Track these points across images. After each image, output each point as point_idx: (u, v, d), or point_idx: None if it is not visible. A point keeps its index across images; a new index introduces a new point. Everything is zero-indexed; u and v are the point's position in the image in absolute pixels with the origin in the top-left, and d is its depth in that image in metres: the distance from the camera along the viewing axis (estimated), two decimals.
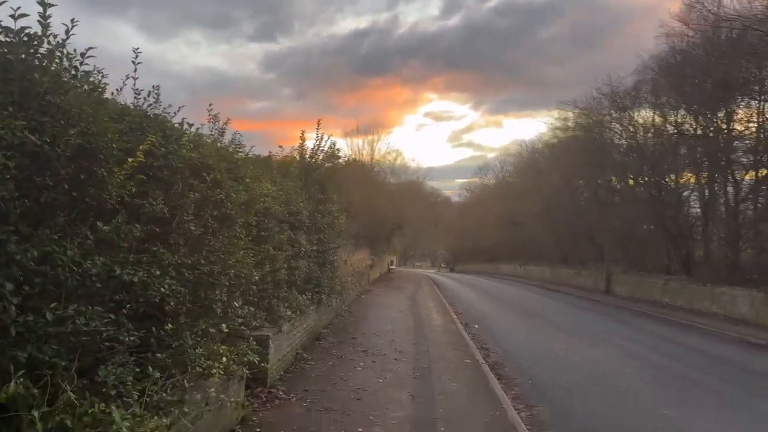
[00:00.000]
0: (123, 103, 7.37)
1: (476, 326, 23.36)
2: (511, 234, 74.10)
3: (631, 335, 21.99)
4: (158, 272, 6.41)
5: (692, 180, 38.82)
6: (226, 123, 11.14)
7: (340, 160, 55.60)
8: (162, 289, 6.42)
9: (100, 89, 6.41)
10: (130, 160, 6.11)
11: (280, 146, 16.99)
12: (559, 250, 60.67)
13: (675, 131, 38.79)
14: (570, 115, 50.87)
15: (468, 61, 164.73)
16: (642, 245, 44.82)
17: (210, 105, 10.62)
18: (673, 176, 39.75)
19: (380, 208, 49.44)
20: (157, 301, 6.46)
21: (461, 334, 20.37)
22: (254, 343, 9.69)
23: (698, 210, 38.06)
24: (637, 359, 17.04)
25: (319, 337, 17.04)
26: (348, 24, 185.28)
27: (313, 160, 17.92)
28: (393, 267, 72.65)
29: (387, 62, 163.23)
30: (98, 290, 5.55)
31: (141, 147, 6.28)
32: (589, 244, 53.21)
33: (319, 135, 18.37)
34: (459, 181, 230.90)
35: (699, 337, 22.52)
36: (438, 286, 47.21)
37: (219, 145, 10.58)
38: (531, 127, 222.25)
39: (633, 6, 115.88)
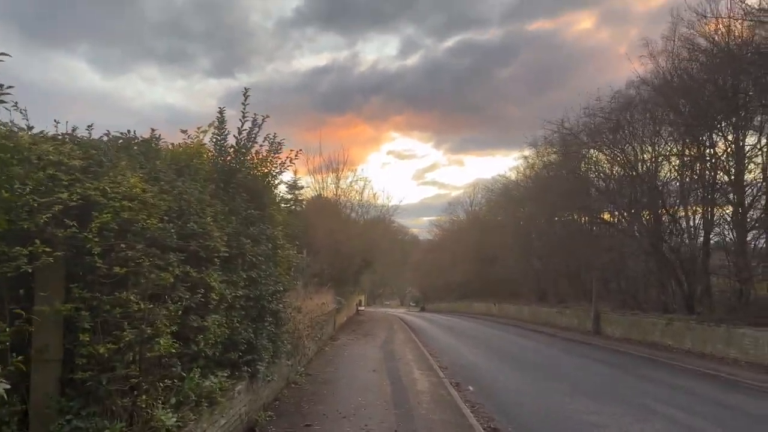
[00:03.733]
0: None
1: (470, 388, 17.27)
2: (483, 270, 68.69)
3: (666, 397, 16.37)
4: None
5: (694, 211, 33.37)
6: None
7: (301, 191, 50.03)
8: None
9: None
10: None
11: (184, 131, 10.16)
12: (537, 287, 55.08)
13: (671, 154, 33.66)
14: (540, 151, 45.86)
15: (428, 100, 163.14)
16: (633, 281, 39.10)
17: None
18: (674, 206, 34.13)
19: (347, 243, 43.33)
20: None
21: (457, 405, 14.30)
22: None
23: (699, 241, 32.50)
24: None
25: (254, 429, 10.75)
26: (307, 61, 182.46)
27: (241, 156, 11.21)
28: (362, 308, 66.27)
29: (348, 100, 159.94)
30: None
31: None
32: (571, 281, 47.58)
33: (248, 115, 11.36)
34: (424, 219, 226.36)
35: (744, 395, 17.14)
36: (413, 330, 40.65)
37: None
38: (492, 166, 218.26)
39: (584, 49, 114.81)
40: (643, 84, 33.07)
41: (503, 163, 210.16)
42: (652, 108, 33.15)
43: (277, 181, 12.06)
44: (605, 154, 38.02)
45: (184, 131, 10.01)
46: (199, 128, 10.18)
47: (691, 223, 33.24)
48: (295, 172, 49.53)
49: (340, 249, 41.97)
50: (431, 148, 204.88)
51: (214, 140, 10.71)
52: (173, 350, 6.77)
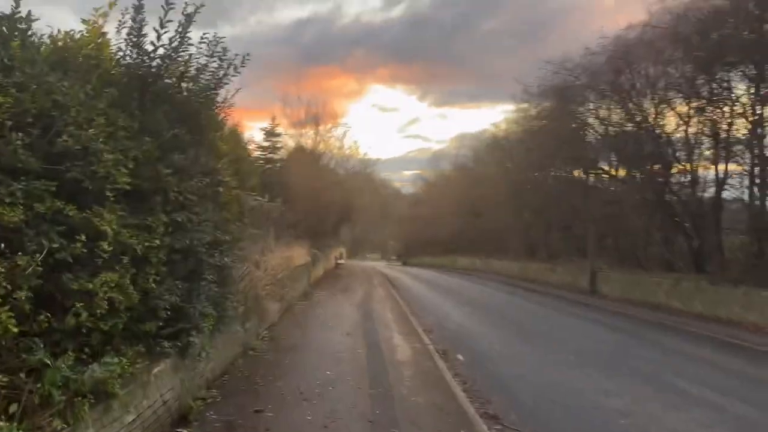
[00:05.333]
0: None
1: (460, 357, 15.03)
2: (469, 224, 66.74)
3: (693, 372, 14.06)
4: None
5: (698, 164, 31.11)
6: None
7: (279, 138, 47.40)
8: None
9: None
10: None
11: (85, 21, 7.17)
12: (526, 242, 52.99)
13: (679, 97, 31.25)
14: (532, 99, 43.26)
15: (413, 52, 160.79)
16: (632, 237, 36.89)
17: None
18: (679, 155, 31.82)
19: (326, 193, 40.83)
20: None
21: (446, 381, 12.06)
22: None
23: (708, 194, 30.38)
24: None
25: (188, 417, 8.42)
26: (290, 13, 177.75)
27: (167, 58, 7.96)
28: (341, 261, 63.92)
29: (332, 52, 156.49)
30: None
31: None
32: (563, 235, 45.45)
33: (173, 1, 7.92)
34: (407, 173, 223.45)
35: None
36: (394, 285, 38.22)
37: None
38: (477, 118, 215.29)
39: (571, 1, 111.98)
40: (650, 23, 30.43)
41: (488, 116, 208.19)
42: (660, 47, 30.50)
43: (220, 98, 9.31)
44: (608, 97, 35.40)
45: (85, 21, 7.32)
46: (97, 10, 7.45)
47: (703, 174, 31.05)
48: (273, 119, 46.98)
49: (319, 199, 39.55)
50: (415, 100, 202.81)
51: (127, 33, 7.65)
52: (13, 329, 4.36)
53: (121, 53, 7.64)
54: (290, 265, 20.08)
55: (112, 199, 6.02)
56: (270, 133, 46.22)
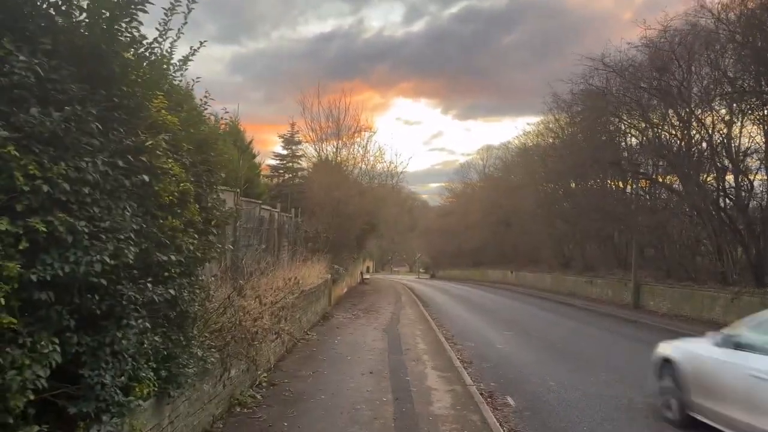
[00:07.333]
0: None
1: (510, 402, 11.52)
2: (499, 235, 63.39)
3: None
4: None
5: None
6: None
7: (299, 146, 44.03)
8: None
9: None
10: None
11: None
12: (561, 253, 49.15)
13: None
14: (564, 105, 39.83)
15: (435, 66, 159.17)
16: (679, 246, 33.01)
17: None
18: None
19: (349, 203, 37.04)
20: None
21: None
22: None
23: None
24: None
25: None
26: (312, 28, 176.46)
27: None
28: (368, 276, 60.33)
29: (355, 67, 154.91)
30: None
31: None
32: (601, 246, 41.69)
33: None
34: (433, 185, 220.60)
35: None
36: (423, 302, 34.59)
37: None
38: (499, 131, 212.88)
39: (589, 14, 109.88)
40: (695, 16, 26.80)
41: (511, 128, 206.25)
42: (708, 41, 26.75)
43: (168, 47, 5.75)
44: (652, 97, 31.45)
45: None
46: None
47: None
48: (293, 125, 43.50)
49: (341, 209, 35.87)
50: (439, 114, 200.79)
51: None
52: None
53: None
54: (303, 286, 16.52)
55: None
56: (289, 141, 42.88)
